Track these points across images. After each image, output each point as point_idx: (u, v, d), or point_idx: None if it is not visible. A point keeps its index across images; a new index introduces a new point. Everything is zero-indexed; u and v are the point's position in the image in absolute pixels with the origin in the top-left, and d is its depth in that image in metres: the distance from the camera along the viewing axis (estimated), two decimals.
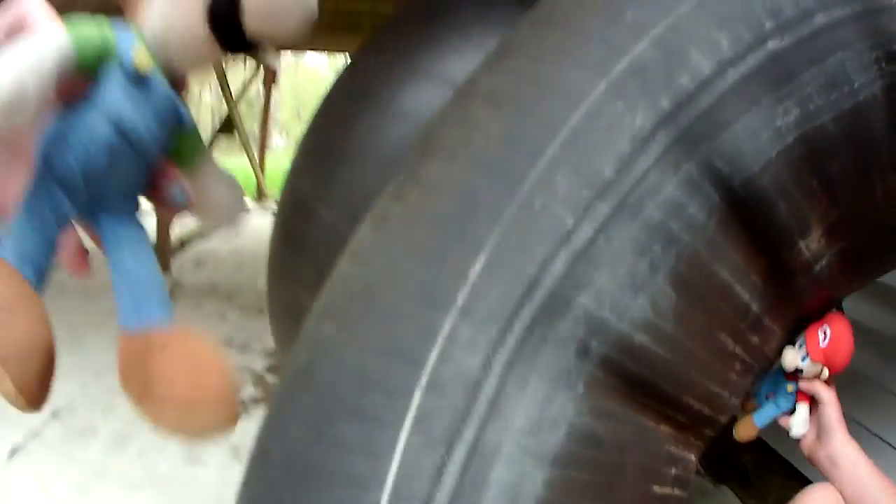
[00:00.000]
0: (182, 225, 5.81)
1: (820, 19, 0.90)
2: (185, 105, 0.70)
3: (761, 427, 1.16)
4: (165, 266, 4.83)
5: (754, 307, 0.93)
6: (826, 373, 1.08)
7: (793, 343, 1.10)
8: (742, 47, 0.86)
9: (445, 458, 0.78)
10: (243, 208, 0.81)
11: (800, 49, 0.88)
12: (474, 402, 0.79)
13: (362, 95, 1.68)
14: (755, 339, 0.96)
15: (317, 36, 7.30)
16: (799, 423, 1.12)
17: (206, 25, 0.62)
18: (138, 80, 0.62)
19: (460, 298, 0.80)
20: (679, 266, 0.85)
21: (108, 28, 0.62)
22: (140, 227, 0.69)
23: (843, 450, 1.05)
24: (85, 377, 2.90)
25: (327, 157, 1.67)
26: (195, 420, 0.64)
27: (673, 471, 0.95)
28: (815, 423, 1.11)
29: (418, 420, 0.78)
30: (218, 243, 6.17)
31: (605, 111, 0.83)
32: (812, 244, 0.93)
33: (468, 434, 0.79)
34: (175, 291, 4.34)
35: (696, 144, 0.84)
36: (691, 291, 0.86)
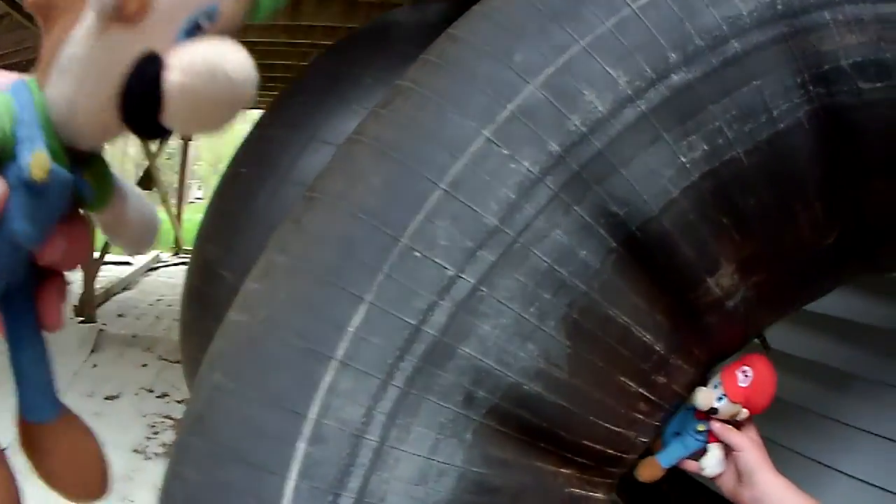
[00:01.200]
0: (107, 276, 6.09)
1: (735, 47, 0.85)
2: (88, 180, 0.67)
3: (667, 467, 1.10)
4: (91, 317, 5.02)
5: (659, 347, 0.90)
6: (745, 413, 1.03)
7: (705, 382, 1.05)
8: (642, 83, 0.82)
9: None
10: (155, 230, 0.81)
11: (709, 80, 0.84)
12: (357, 453, 0.79)
13: (264, 162, 1.70)
14: (661, 379, 0.93)
15: None
16: (712, 465, 1.07)
17: (118, 115, 0.58)
18: (35, 186, 0.58)
19: (340, 350, 0.80)
20: (571, 312, 0.82)
21: (8, 120, 0.57)
22: (37, 328, 0.73)
23: (770, 490, 0.99)
24: None
25: (231, 223, 1.69)
26: (76, 492, 0.80)
27: None
28: (732, 465, 1.06)
29: (304, 469, 0.78)
30: (138, 294, 6.44)
31: (488, 158, 0.80)
32: (723, 280, 0.90)
33: (353, 484, 0.79)
34: (100, 340, 4.50)
35: (587, 188, 0.81)
36: (586, 337, 0.84)
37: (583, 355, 0.85)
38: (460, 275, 0.79)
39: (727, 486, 1.06)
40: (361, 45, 1.85)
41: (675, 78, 0.83)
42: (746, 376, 1.00)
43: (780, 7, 0.86)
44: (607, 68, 0.82)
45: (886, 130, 0.89)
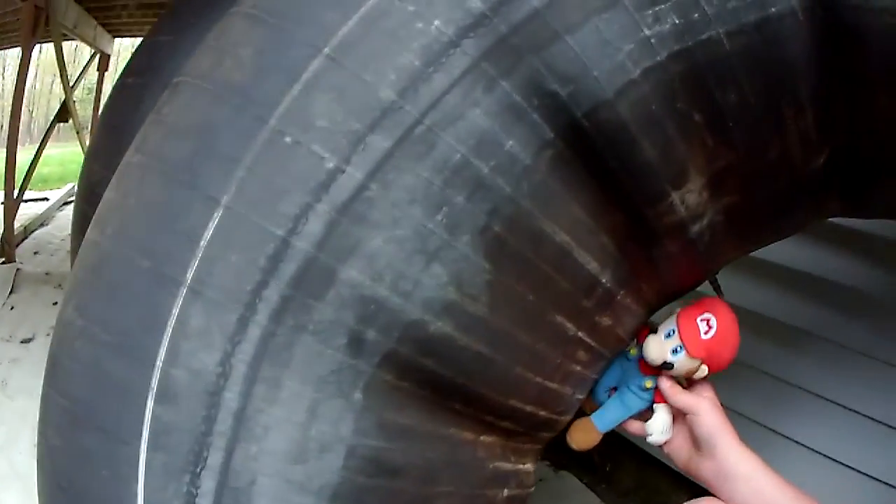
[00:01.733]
0: (25, 214, 5.97)
1: None
2: None
3: (604, 432, 0.89)
4: (11, 256, 4.91)
5: (604, 279, 0.70)
6: (704, 370, 0.82)
7: (654, 330, 0.84)
8: None
9: (192, 489, 0.59)
10: None
11: None
12: (215, 416, 0.59)
13: (152, 69, 1.48)
14: (605, 321, 0.73)
15: (147, 20, 7.37)
16: (658, 429, 0.85)
17: None
18: None
19: (189, 272, 0.58)
20: (492, 223, 0.61)
21: None
22: None
23: (733, 460, 0.79)
24: None
25: (116, 138, 1.47)
26: None
27: (504, 492, 0.73)
28: (684, 430, 0.86)
29: (154, 438, 0.59)
30: (53, 230, 6.24)
31: (388, 16, 0.59)
32: (689, 197, 0.70)
33: (213, 459, 0.59)
34: (18, 280, 4.38)
35: (518, 57, 0.60)
36: (512, 258, 0.63)
37: (508, 283, 0.64)
38: (343, 167, 0.58)
39: (680, 456, 0.86)
40: None
41: None
42: (710, 326, 0.80)
43: None
44: None
45: (891, 38, 0.71)
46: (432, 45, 0.59)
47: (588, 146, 0.64)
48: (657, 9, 0.64)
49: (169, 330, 0.59)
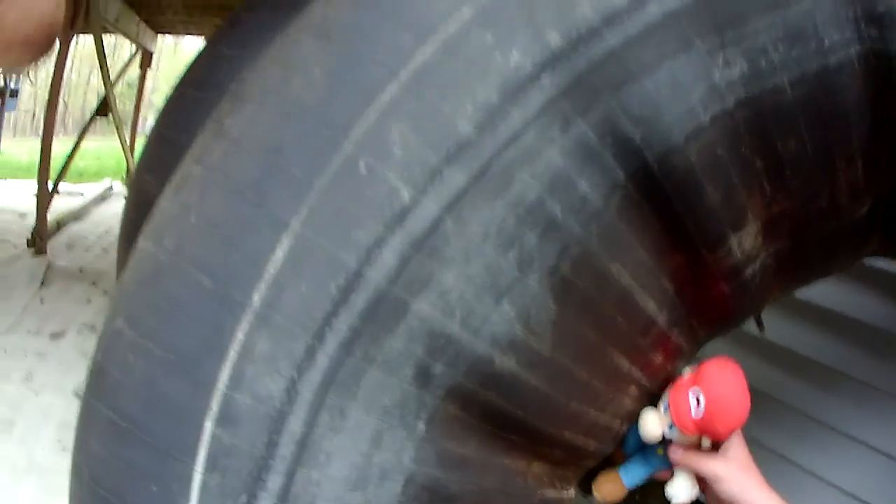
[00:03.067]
0: (58, 207, 5.89)
1: None
2: None
3: (630, 488, 0.86)
4: (42, 248, 4.88)
5: (661, 319, 0.71)
6: (707, 443, 0.80)
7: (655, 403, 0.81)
8: None
9: None
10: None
11: None
12: (278, 441, 0.58)
13: (210, 83, 1.48)
14: (658, 358, 0.74)
15: (192, 19, 7.25)
16: (679, 493, 0.82)
17: None
18: None
19: (256, 297, 0.58)
20: (561, 264, 0.62)
21: None
22: None
23: None
24: None
25: (171, 151, 1.47)
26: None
27: None
28: (710, 492, 0.82)
29: (212, 459, 0.58)
30: (88, 225, 6.24)
31: (467, 45, 0.59)
32: (746, 241, 0.71)
33: (273, 483, 0.58)
34: (48, 274, 4.34)
35: (596, 97, 0.61)
36: (577, 299, 0.64)
37: (571, 322, 0.64)
38: (420, 199, 0.57)
39: None
40: None
41: None
42: (699, 403, 0.75)
43: None
44: None
45: None
46: (511, 79, 0.59)
47: (656, 190, 0.64)
48: (727, 53, 0.64)
49: (232, 353, 0.58)
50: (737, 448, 0.82)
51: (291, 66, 0.63)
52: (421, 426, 0.61)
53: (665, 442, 0.82)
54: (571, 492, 0.79)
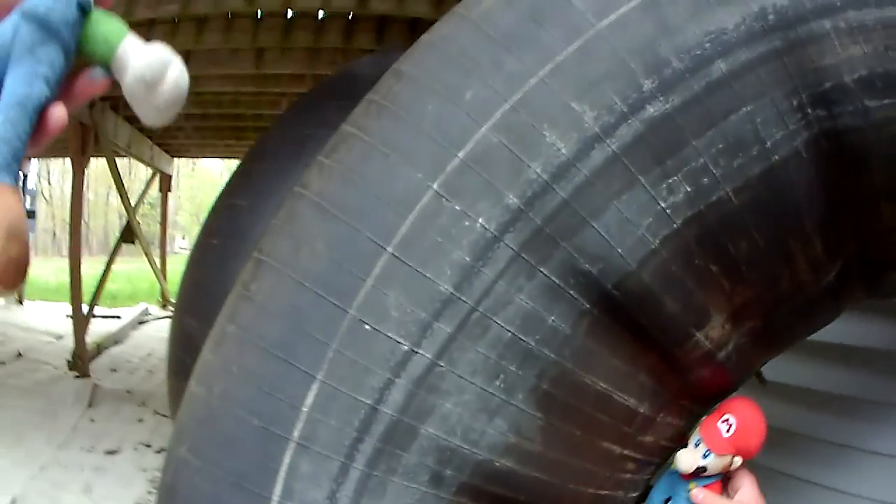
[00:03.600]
0: (96, 331, 6.01)
1: (720, 68, 0.74)
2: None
3: None
4: (84, 371, 4.97)
5: (643, 409, 0.82)
6: (738, 461, 0.92)
7: (684, 444, 0.93)
8: (611, 118, 0.72)
9: None
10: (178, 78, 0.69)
11: (690, 109, 0.74)
12: None
13: (235, 233, 1.64)
14: (648, 438, 0.85)
15: (205, 142, 7.41)
16: None
17: None
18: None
19: (297, 430, 0.73)
20: (541, 384, 0.74)
21: None
22: None
23: None
24: (32, 470, 3.01)
25: (207, 296, 1.63)
26: None
27: None
28: None
29: None
30: (129, 349, 6.33)
31: (439, 216, 0.72)
32: (713, 332, 0.81)
33: None
34: (95, 395, 4.46)
35: (553, 245, 0.72)
36: (559, 407, 0.76)
37: (557, 426, 0.77)
38: (416, 350, 0.71)
39: None
40: (325, 102, 1.81)
41: (651, 109, 0.73)
42: (729, 425, 0.89)
43: (771, 17, 0.75)
44: (570, 103, 0.72)
45: (890, 150, 0.79)
46: (479, 242, 0.71)
47: (619, 310, 0.75)
48: (670, 181, 0.74)
49: (282, 473, 0.73)
50: (749, 493, 0.93)
51: (297, 237, 0.77)
52: None
53: (697, 475, 0.92)
54: None
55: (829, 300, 0.90)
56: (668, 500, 0.98)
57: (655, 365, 0.80)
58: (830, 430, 1.68)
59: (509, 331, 0.72)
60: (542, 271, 0.72)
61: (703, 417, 0.92)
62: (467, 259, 0.71)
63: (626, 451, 0.83)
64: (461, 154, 0.72)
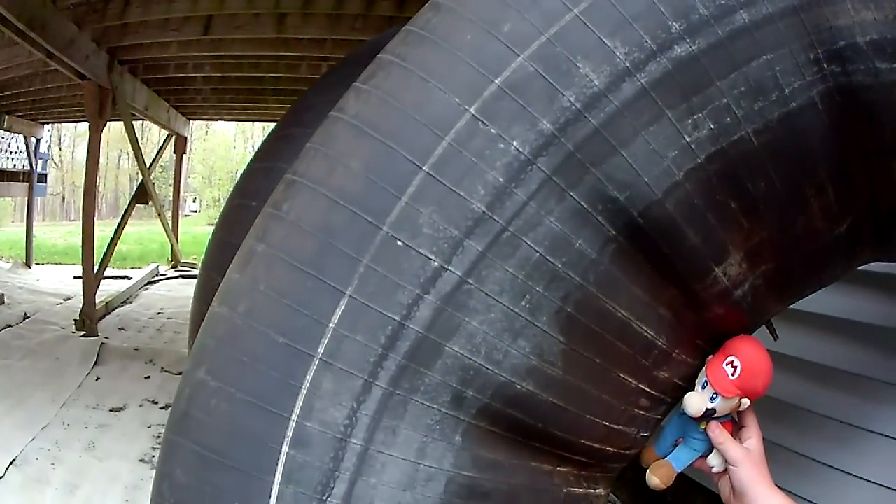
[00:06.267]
0: (106, 290, 6.09)
1: (743, 17, 0.77)
2: None
3: (680, 471, 1.01)
4: (92, 331, 5.02)
5: (661, 342, 0.84)
6: (746, 402, 0.94)
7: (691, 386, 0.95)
8: (642, 55, 0.75)
9: None
10: None
11: (715, 53, 0.77)
12: (342, 457, 0.74)
13: (261, 197, 1.67)
14: (663, 374, 0.87)
15: (222, 105, 7.53)
16: (719, 463, 0.98)
17: None
18: None
19: (321, 347, 0.74)
20: (565, 306, 0.76)
21: None
22: None
23: None
24: (34, 430, 3.02)
25: (232, 254, 1.67)
26: None
27: None
28: (728, 479, 0.96)
29: (288, 474, 0.74)
30: (138, 308, 6.39)
31: (475, 138, 0.74)
32: (730, 270, 0.83)
33: (339, 489, 0.74)
34: (102, 353, 4.48)
35: (583, 170, 0.75)
36: (582, 333, 0.78)
37: (578, 352, 0.79)
38: (446, 266, 0.73)
39: (724, 493, 0.98)
40: (356, 73, 1.87)
41: (678, 49, 0.76)
42: (734, 367, 0.90)
43: None
44: (604, 38, 0.75)
45: None
46: (513, 164, 0.74)
47: (643, 239, 0.78)
48: (695, 117, 0.77)
49: (303, 392, 0.74)
50: (756, 446, 0.96)
51: (333, 158, 0.79)
52: (458, 438, 0.77)
53: (706, 417, 0.95)
54: (600, 491, 0.94)
55: (840, 255, 0.93)
56: (679, 441, 1.00)
57: (674, 298, 0.83)
58: (835, 406, 1.71)
59: (538, 251, 0.74)
60: (571, 195, 0.75)
61: (709, 357, 0.93)
62: (501, 180, 0.73)
63: (641, 385, 0.85)
64: (498, 81, 0.74)
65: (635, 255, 0.79)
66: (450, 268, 0.73)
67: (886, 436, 1.59)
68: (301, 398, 0.74)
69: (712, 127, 0.78)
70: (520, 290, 0.75)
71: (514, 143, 0.74)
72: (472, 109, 0.74)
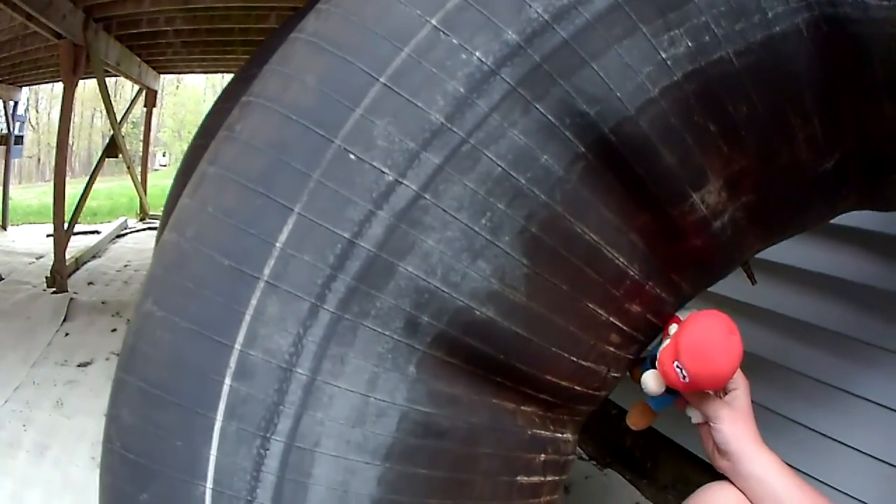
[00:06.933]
0: (75, 246, 6.10)
1: None
2: None
3: (659, 412, 0.95)
4: (63, 287, 5.04)
5: (633, 272, 0.79)
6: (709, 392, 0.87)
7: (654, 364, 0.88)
8: None
9: (262, 452, 0.69)
10: None
11: None
12: (287, 389, 0.69)
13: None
14: (635, 308, 0.82)
15: (192, 58, 7.57)
16: (696, 414, 0.90)
17: None
18: None
19: (267, 269, 0.69)
20: (529, 226, 0.72)
21: None
22: None
23: (746, 462, 0.85)
24: (7, 392, 3.01)
25: None
26: None
27: (542, 457, 0.84)
28: (707, 436, 0.91)
29: (230, 409, 0.69)
30: (106, 261, 6.41)
31: (435, 49, 0.69)
32: (709, 198, 0.79)
33: (284, 425, 0.69)
34: (71, 309, 4.49)
35: (551, 82, 0.70)
36: (547, 255, 0.73)
37: (543, 276, 0.74)
38: (400, 180, 0.68)
39: (707, 447, 0.92)
40: None
41: None
42: (683, 375, 0.82)
43: None
44: None
45: (894, 49, 0.78)
46: (474, 75, 0.69)
47: (615, 157, 0.73)
48: (671, 34, 0.72)
49: (247, 318, 0.69)
50: (741, 398, 0.89)
51: (289, 74, 0.75)
52: (412, 369, 0.72)
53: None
54: (568, 435, 0.89)
55: (825, 193, 0.88)
56: None
57: (648, 224, 0.78)
58: (816, 366, 1.66)
59: (500, 165, 0.69)
60: (537, 107, 0.70)
61: (661, 347, 0.86)
62: (461, 90, 0.69)
63: (611, 318, 0.81)
64: None
65: (606, 175, 0.74)
66: (405, 181, 0.68)
67: (869, 400, 1.55)
68: (245, 325, 0.69)
69: (690, 45, 0.73)
70: (480, 207, 0.70)
71: (477, 54, 0.69)
72: (433, 21, 0.70)
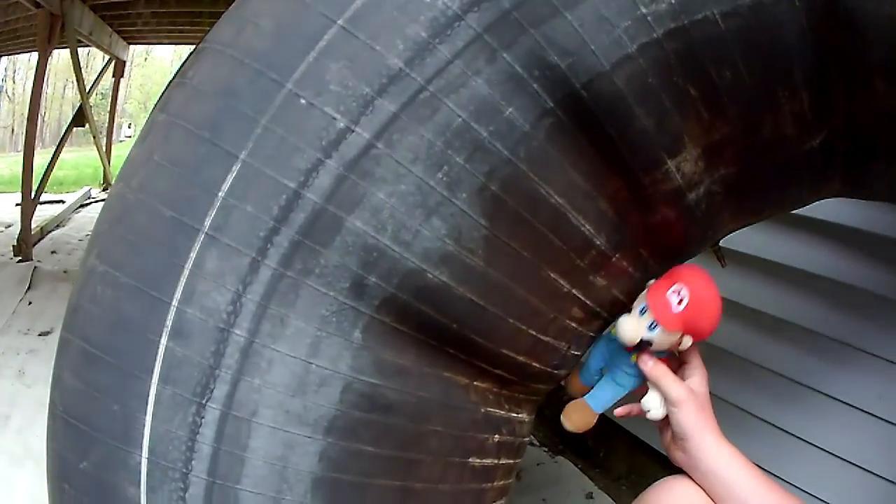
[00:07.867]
0: (41, 216, 6.15)
1: None
2: None
3: (600, 412, 0.86)
4: (28, 255, 5.08)
5: (600, 242, 0.74)
6: (688, 342, 0.81)
7: (629, 309, 0.82)
8: None
9: (198, 419, 0.64)
10: None
11: None
12: (224, 351, 0.65)
13: None
14: (600, 280, 0.77)
15: (161, 29, 7.74)
16: (656, 405, 0.83)
17: None
18: None
19: (207, 220, 0.64)
20: (490, 183, 0.66)
21: None
22: None
23: (703, 456, 0.80)
24: None
25: None
26: None
27: (496, 437, 0.79)
28: (668, 425, 0.84)
29: (166, 371, 0.64)
30: (70, 231, 6.48)
31: None
32: (685, 166, 0.74)
33: (220, 392, 0.65)
34: (35, 278, 4.52)
35: (520, 30, 0.65)
36: (508, 217, 0.68)
37: (503, 240, 0.69)
38: (352, 127, 0.63)
39: (664, 439, 0.87)
40: None
41: None
42: (680, 297, 0.77)
43: None
44: None
45: (890, 28, 0.73)
46: (438, 18, 0.64)
47: (587, 115, 0.68)
48: None
49: (186, 272, 0.64)
50: (700, 384, 0.85)
51: (245, 19, 0.69)
52: (357, 335, 0.67)
53: (640, 347, 0.83)
54: (524, 416, 0.84)
55: (809, 173, 0.83)
56: (604, 369, 0.87)
57: (619, 192, 0.73)
58: (784, 362, 1.62)
59: (460, 116, 0.64)
60: (504, 56, 0.65)
61: (652, 281, 0.81)
62: (423, 35, 0.64)
63: (574, 291, 0.75)
64: None
65: (576, 135, 0.69)
66: (357, 129, 0.63)
67: (835, 398, 1.51)
68: (183, 279, 0.64)
69: (672, 2, 0.68)
70: (437, 160, 0.65)
71: None
72: None
